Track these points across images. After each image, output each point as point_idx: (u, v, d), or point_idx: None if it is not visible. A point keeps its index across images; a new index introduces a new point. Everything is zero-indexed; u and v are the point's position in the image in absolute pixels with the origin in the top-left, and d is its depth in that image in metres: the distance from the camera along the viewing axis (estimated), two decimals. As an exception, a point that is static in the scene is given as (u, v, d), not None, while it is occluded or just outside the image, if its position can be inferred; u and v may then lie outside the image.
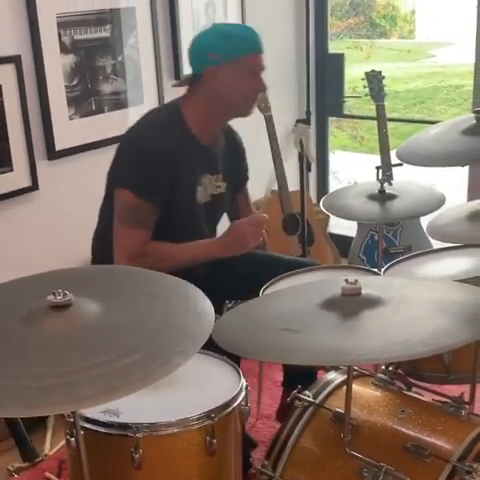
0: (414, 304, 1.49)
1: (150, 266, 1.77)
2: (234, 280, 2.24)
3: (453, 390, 1.80)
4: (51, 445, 2.47)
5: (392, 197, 2.28)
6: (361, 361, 1.40)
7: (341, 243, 3.53)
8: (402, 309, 1.45)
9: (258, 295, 1.98)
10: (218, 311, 1.38)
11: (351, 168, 5.42)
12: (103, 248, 2.14)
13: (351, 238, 3.47)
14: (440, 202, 2.23)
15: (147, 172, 2.03)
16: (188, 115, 2.11)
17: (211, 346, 1.39)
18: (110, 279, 1.46)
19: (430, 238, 3.22)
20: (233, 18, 3.32)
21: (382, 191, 2.28)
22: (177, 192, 2.08)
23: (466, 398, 1.74)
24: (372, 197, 2.28)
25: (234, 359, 1.68)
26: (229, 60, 2.04)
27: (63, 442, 2.40)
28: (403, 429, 1.60)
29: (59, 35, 2.62)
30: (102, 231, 2.19)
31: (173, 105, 2.17)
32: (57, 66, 2.63)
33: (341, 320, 1.42)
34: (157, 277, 1.46)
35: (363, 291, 1.46)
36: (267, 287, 2.10)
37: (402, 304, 1.47)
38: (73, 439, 1.39)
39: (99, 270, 1.53)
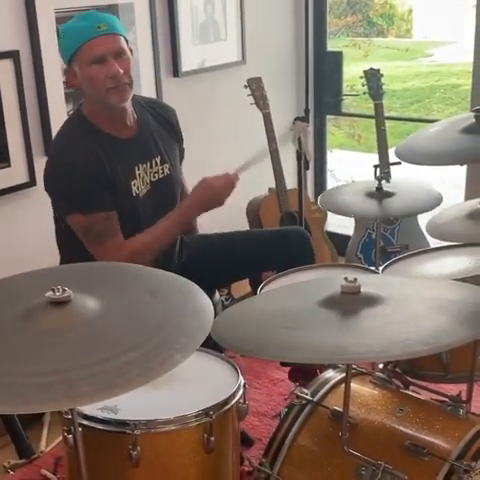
0: (413, 303, 1.48)
1: (144, 259, 1.80)
2: (225, 266, 2.27)
3: (450, 389, 1.81)
4: (47, 442, 2.47)
5: (390, 195, 2.28)
6: (361, 359, 1.40)
7: (338, 242, 3.52)
8: (401, 308, 1.45)
9: (255, 273, 2.01)
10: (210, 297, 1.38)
11: (348, 167, 5.41)
12: None
13: (348, 237, 3.47)
14: (437, 201, 2.23)
15: (81, 188, 2.01)
16: (92, 117, 2.10)
17: (209, 343, 1.38)
18: (109, 276, 1.46)
19: (428, 237, 3.26)
20: (232, 15, 3.31)
21: (380, 188, 2.27)
22: (116, 194, 2.07)
23: (463, 397, 1.74)
24: (370, 195, 2.28)
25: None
26: (70, 58, 2.03)
27: (59, 439, 2.39)
28: (401, 428, 1.60)
29: (58, 30, 2.60)
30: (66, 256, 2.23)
31: (77, 113, 2.15)
32: (55, 62, 2.61)
33: (340, 318, 1.42)
34: (155, 274, 1.45)
35: (362, 289, 1.46)
36: (265, 285, 2.10)
37: (401, 302, 1.47)
38: (71, 436, 1.39)
39: (98, 267, 1.53)
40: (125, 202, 2.10)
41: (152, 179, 2.17)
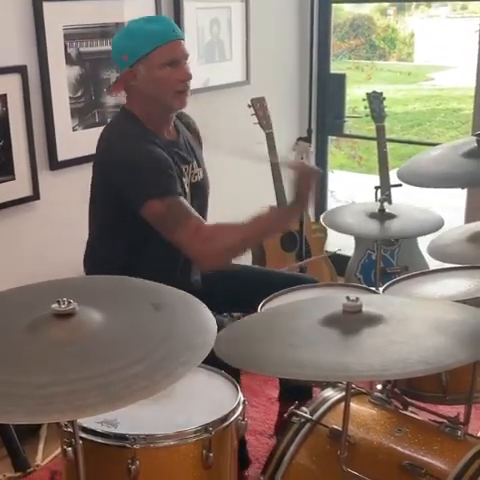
0: (414, 323, 1.49)
1: (218, 250, 1.91)
2: (232, 293, 2.25)
3: (449, 411, 1.81)
4: (43, 456, 2.46)
5: (391, 216, 2.31)
6: (361, 377, 1.41)
7: (338, 262, 3.53)
8: (402, 327, 1.46)
9: (256, 310, 1.99)
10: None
11: (349, 187, 5.44)
12: (93, 259, 2.21)
13: (348, 257, 3.48)
14: (439, 224, 2.26)
15: (153, 175, 2.01)
16: (143, 117, 2.11)
17: (210, 360, 1.39)
18: (112, 289, 1.46)
19: (427, 259, 3.27)
20: (237, 35, 3.35)
21: (382, 210, 2.30)
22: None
23: (461, 419, 1.74)
24: (372, 215, 2.31)
25: (234, 374, 1.68)
26: (138, 59, 2.03)
27: (55, 453, 2.40)
28: (399, 448, 1.61)
29: (65, 47, 2.64)
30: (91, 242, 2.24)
31: (125, 112, 2.15)
32: (62, 77, 2.65)
33: (341, 336, 1.43)
34: (159, 288, 1.46)
35: (364, 309, 1.47)
36: (266, 302, 2.10)
37: (402, 322, 1.48)
38: (70, 449, 1.39)
39: (102, 280, 1.53)
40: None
41: (192, 181, 2.21)
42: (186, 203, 2.03)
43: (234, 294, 2.24)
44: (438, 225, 2.25)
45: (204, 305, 1.38)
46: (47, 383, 1.11)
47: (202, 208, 2.25)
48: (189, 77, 2.08)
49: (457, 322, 1.50)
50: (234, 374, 1.68)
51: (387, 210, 2.31)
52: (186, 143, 2.23)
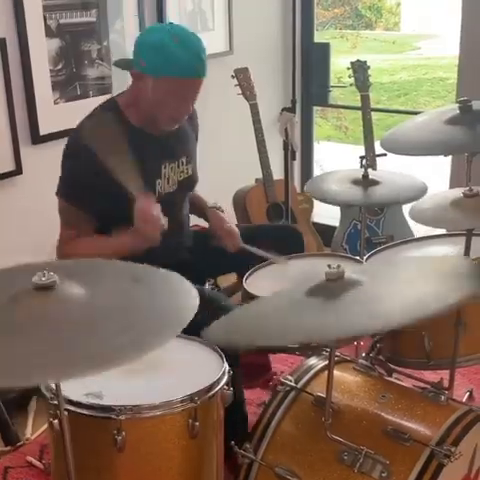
0: (397, 281, 1.50)
1: (81, 256, 1.83)
2: (218, 255, 2.27)
3: (434, 377, 1.83)
4: (33, 430, 2.47)
5: (375, 183, 2.28)
6: (344, 335, 1.41)
7: (324, 232, 3.54)
8: (384, 286, 1.47)
9: (245, 267, 2.06)
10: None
11: (335, 158, 5.43)
12: None
13: (334, 228, 3.49)
14: (422, 191, 2.25)
15: (75, 179, 2.01)
16: (126, 109, 2.07)
17: (194, 330, 1.39)
18: (91, 264, 1.45)
19: (413, 228, 3.29)
20: (220, 6, 3.31)
21: (366, 176, 2.28)
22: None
23: (445, 384, 1.77)
24: (356, 182, 2.28)
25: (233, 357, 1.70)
26: (150, 74, 1.97)
27: (45, 427, 2.41)
28: (383, 414, 1.63)
29: (44, 19, 2.60)
30: None
31: (111, 101, 2.13)
32: (42, 50, 2.61)
33: (325, 301, 1.42)
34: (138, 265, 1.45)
35: (346, 275, 1.47)
36: (250, 274, 2.12)
37: (385, 282, 1.49)
38: (56, 421, 1.40)
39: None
40: None
41: (179, 178, 2.19)
42: (76, 215, 2.03)
43: (218, 259, 2.27)
44: (422, 192, 2.24)
45: (182, 277, 1.38)
46: (32, 352, 1.12)
47: (186, 206, 2.27)
48: (189, 113, 2.08)
49: (440, 271, 1.49)
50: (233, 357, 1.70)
51: (371, 176, 2.29)
52: (178, 138, 2.18)
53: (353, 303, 1.38)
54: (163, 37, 1.96)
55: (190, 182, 2.26)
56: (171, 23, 2.17)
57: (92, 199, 2.00)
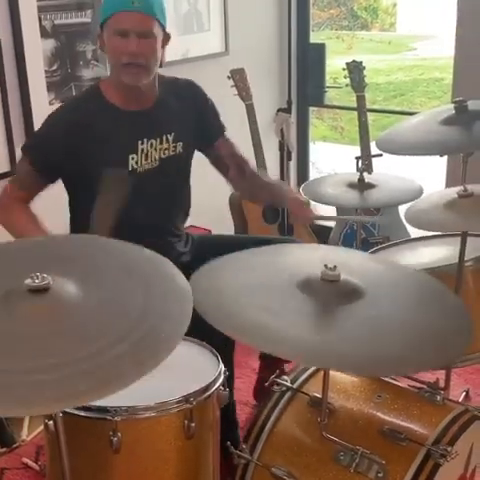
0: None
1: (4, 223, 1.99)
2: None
3: (429, 377, 1.83)
4: (29, 431, 2.47)
5: (371, 186, 2.31)
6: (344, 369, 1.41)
7: (320, 233, 3.54)
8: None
9: None
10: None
11: (331, 159, 5.44)
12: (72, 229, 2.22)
13: (330, 228, 3.49)
14: (418, 193, 2.27)
15: (43, 140, 2.08)
16: (106, 87, 2.09)
17: (190, 331, 1.39)
18: (86, 255, 1.40)
19: (409, 229, 3.28)
20: (215, 6, 3.31)
21: (361, 180, 2.30)
22: (97, 163, 1.97)
23: (441, 384, 1.77)
24: (351, 186, 2.31)
25: (227, 349, 1.68)
26: (101, 23, 2.02)
27: (41, 428, 2.40)
28: (379, 413, 1.63)
29: (40, 19, 2.60)
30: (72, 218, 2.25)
31: (93, 86, 2.17)
32: (37, 51, 2.61)
33: (321, 311, 1.41)
34: (132, 251, 1.42)
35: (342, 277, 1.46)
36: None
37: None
38: (51, 422, 1.39)
39: (74, 241, 1.50)
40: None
41: (162, 156, 2.13)
42: (26, 171, 2.08)
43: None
44: (417, 194, 2.26)
45: (179, 271, 1.36)
46: (33, 368, 1.09)
47: (176, 184, 2.21)
48: (132, 51, 1.96)
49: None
50: (227, 349, 1.68)
51: (366, 180, 2.31)
52: (163, 115, 2.14)
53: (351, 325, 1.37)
54: None
55: (178, 162, 2.19)
56: None
57: (50, 164, 2.06)
